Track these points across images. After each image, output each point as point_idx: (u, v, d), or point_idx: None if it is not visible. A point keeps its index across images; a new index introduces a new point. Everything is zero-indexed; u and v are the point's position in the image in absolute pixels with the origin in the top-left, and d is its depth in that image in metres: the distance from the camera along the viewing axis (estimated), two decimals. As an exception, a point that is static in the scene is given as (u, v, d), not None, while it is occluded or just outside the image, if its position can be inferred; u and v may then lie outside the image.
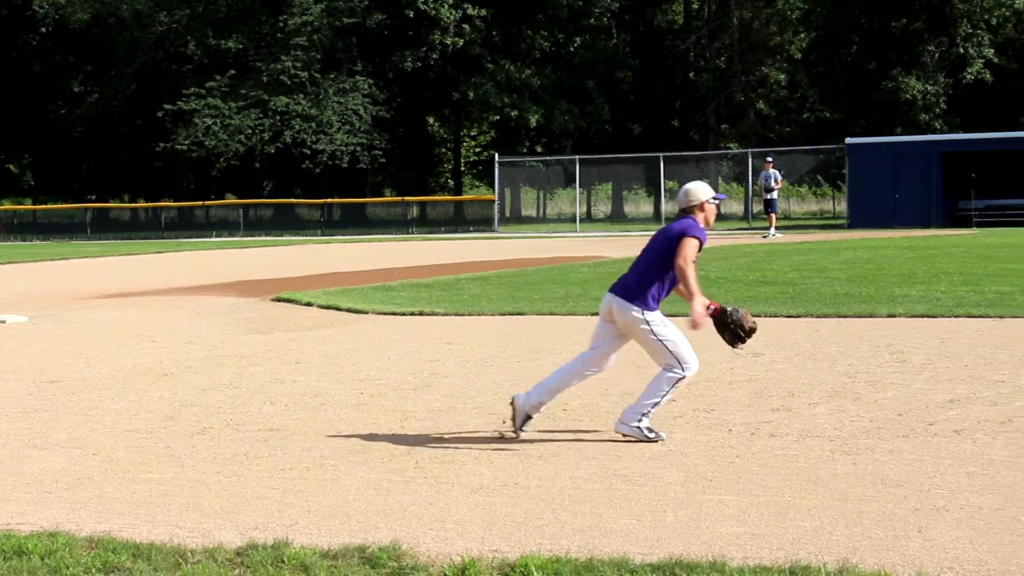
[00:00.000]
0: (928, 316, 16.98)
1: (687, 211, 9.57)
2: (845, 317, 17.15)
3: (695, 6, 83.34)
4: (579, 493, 7.77)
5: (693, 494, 7.66)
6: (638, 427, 9.35)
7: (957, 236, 41.47)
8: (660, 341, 9.37)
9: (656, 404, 9.39)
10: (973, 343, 14.26)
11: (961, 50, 69.39)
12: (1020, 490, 7.53)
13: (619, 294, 9.51)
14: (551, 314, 18.50)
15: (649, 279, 9.45)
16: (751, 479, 8.01)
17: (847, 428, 9.54)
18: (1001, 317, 16.60)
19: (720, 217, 72.52)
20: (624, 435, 9.39)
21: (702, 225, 9.52)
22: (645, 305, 9.38)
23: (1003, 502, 7.25)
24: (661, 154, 62.27)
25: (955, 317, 16.80)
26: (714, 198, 9.65)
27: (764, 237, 44.44)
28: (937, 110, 69.27)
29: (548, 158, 71.50)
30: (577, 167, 63.30)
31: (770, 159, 47.31)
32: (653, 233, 9.89)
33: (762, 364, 13.03)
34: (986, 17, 69.04)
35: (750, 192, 62.70)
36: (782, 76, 79.10)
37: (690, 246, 9.26)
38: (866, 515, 7.06)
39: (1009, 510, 7.08)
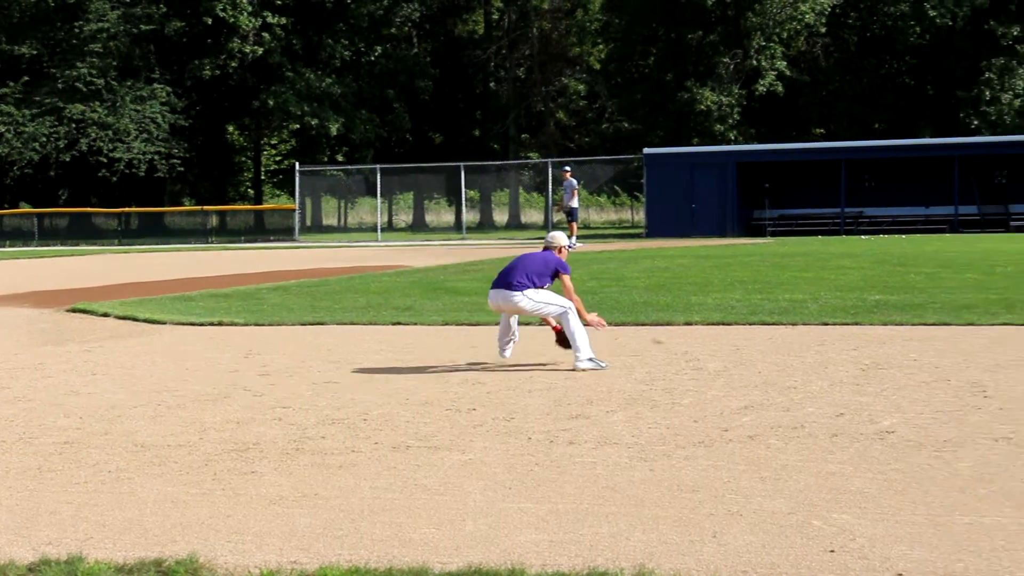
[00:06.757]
0: (723, 324, 17.32)
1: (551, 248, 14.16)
2: (643, 325, 17.40)
3: (495, 16, 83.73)
4: (379, 503, 7.75)
5: (492, 502, 7.68)
6: (590, 360, 13.17)
7: (752, 245, 42.28)
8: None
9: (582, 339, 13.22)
10: (767, 350, 14.56)
11: (755, 62, 70.85)
12: (811, 494, 7.68)
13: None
14: (352, 324, 18.44)
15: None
16: (550, 486, 8.06)
17: (644, 435, 9.65)
18: (794, 324, 16.99)
19: (521, 226, 73.09)
20: (584, 370, 13.04)
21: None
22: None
23: (795, 506, 7.40)
24: (462, 164, 62.59)
25: (749, 325, 17.16)
26: (568, 246, 14.30)
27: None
28: (731, 121, 70.57)
29: (349, 167, 71.26)
30: (378, 176, 63.24)
31: (567, 168, 47.48)
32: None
33: (561, 372, 13.14)
34: (778, 31, 70.59)
35: (550, 201, 63.25)
36: (581, 87, 79.99)
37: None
38: (662, 520, 7.15)
39: (800, 514, 7.22)
